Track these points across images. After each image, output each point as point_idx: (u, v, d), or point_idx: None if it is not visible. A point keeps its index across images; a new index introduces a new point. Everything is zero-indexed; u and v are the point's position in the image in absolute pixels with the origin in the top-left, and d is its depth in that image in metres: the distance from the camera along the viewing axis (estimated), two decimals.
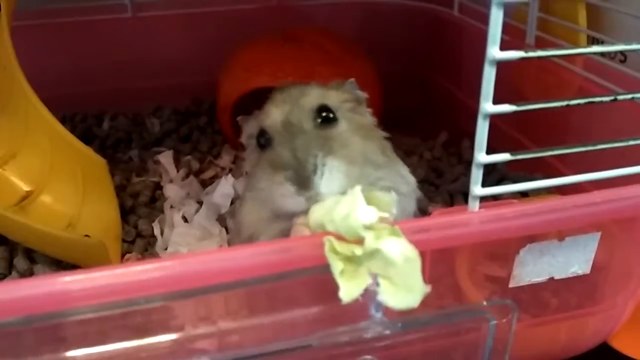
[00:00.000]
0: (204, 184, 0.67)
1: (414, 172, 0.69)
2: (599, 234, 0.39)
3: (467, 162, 0.73)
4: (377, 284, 0.30)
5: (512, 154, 0.34)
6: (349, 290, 0.30)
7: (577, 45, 0.63)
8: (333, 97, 0.41)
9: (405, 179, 0.43)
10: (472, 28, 0.78)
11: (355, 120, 0.41)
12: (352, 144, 0.39)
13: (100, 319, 0.31)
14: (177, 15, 0.85)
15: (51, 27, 0.82)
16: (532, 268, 0.39)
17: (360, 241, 0.30)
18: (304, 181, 0.35)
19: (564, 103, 0.33)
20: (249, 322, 0.33)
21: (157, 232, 0.57)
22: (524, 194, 0.62)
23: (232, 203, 0.58)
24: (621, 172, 0.37)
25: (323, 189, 0.35)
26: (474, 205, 0.35)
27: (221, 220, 0.58)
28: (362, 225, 0.30)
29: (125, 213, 0.62)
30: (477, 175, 0.34)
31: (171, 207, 0.61)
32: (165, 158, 0.69)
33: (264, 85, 0.71)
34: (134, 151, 0.78)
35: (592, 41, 0.65)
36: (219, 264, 0.30)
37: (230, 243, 0.53)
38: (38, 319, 0.30)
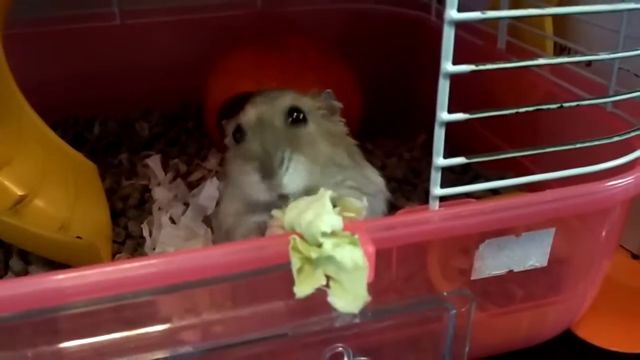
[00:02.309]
0: (192, 185, 0.70)
1: (393, 172, 0.73)
2: (554, 229, 0.42)
3: None
4: (328, 286, 0.33)
5: (467, 158, 0.37)
6: (302, 287, 0.33)
7: (538, 55, 0.67)
8: (307, 102, 0.45)
9: (371, 180, 0.47)
10: None
11: (325, 126, 0.45)
12: (318, 145, 0.42)
13: (92, 312, 0.34)
14: (164, 22, 0.88)
15: (42, 35, 0.84)
16: (492, 262, 0.42)
17: (319, 245, 0.34)
18: (268, 171, 0.39)
19: (513, 111, 0.36)
20: (229, 314, 0.36)
21: (145, 233, 0.60)
22: (495, 192, 0.65)
23: (217, 204, 0.61)
24: (581, 171, 0.40)
25: (286, 180, 0.39)
26: (434, 204, 0.38)
27: (207, 221, 0.61)
28: (322, 232, 0.33)
29: (116, 215, 0.65)
30: (435, 177, 0.37)
31: (159, 209, 0.64)
32: (154, 162, 0.72)
33: (248, 91, 0.74)
34: (123, 155, 0.80)
35: (560, 49, 0.68)
36: (201, 262, 0.34)
37: (214, 242, 0.56)
38: (33, 313, 0.32)
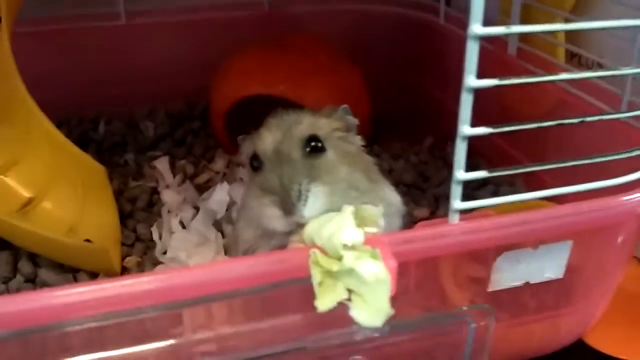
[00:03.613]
0: (199, 188, 0.70)
1: (401, 176, 0.73)
2: (571, 242, 0.42)
3: (451, 166, 0.76)
4: (350, 300, 0.33)
5: (489, 171, 0.37)
6: (324, 301, 0.33)
7: (548, 73, 0.67)
8: (324, 126, 0.44)
9: (389, 201, 0.46)
10: (457, 36, 0.81)
11: (343, 148, 0.44)
12: (337, 172, 0.42)
13: (105, 327, 0.33)
14: (169, 22, 0.87)
15: (47, 34, 0.83)
16: (509, 274, 0.42)
17: (340, 258, 0.33)
18: (288, 207, 0.39)
19: (535, 125, 0.36)
20: (248, 327, 0.36)
21: (155, 236, 0.60)
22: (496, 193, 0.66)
23: (227, 209, 0.61)
24: (597, 185, 0.40)
25: (306, 214, 0.39)
26: (453, 218, 0.38)
27: (217, 225, 0.61)
28: (343, 245, 0.33)
29: (124, 217, 0.65)
30: (456, 190, 0.37)
31: (168, 212, 0.63)
32: (162, 164, 0.71)
33: (256, 93, 0.74)
34: (129, 155, 0.80)
35: (571, 55, 0.68)
36: (221, 275, 0.33)
37: (227, 249, 0.55)
38: (36, 330, 0.32)
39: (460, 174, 0.36)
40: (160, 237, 0.60)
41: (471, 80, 0.34)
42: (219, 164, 0.75)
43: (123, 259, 0.60)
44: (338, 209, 0.38)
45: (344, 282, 0.33)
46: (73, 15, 0.84)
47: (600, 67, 0.66)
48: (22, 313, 0.30)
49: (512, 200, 0.39)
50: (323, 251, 0.34)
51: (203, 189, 0.70)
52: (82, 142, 0.82)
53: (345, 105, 0.48)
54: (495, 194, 0.67)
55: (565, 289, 0.46)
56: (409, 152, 0.81)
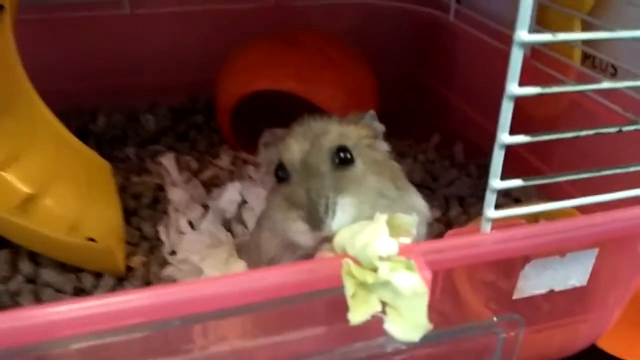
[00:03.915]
0: (204, 184, 0.68)
1: (410, 175, 0.72)
2: (597, 249, 0.41)
3: (460, 165, 0.76)
4: (384, 313, 0.32)
5: (524, 180, 0.36)
6: (357, 313, 0.32)
7: (564, 63, 0.66)
8: (352, 135, 0.42)
9: (416, 208, 0.45)
10: (466, 34, 0.80)
11: (371, 156, 0.43)
12: (365, 182, 0.40)
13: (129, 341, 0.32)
14: (174, 12, 0.85)
15: (47, 22, 0.81)
16: (535, 281, 0.41)
17: (374, 269, 0.32)
18: (316, 222, 0.37)
19: (574, 134, 0.35)
20: (273, 339, 0.35)
21: (163, 236, 0.58)
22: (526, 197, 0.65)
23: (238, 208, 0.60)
24: (625, 195, 0.39)
25: (335, 228, 0.37)
26: (486, 226, 0.37)
27: (226, 224, 0.60)
28: (378, 256, 0.32)
29: (128, 215, 0.63)
30: (490, 199, 0.36)
31: (176, 210, 0.62)
32: (168, 160, 0.70)
33: (264, 89, 0.72)
34: (130, 149, 0.78)
35: (584, 56, 0.67)
36: (249, 285, 0.32)
37: (238, 250, 0.54)
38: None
39: (497, 182, 0.35)
40: (167, 236, 0.58)
41: (514, 87, 0.33)
42: (225, 161, 0.73)
43: (127, 258, 0.58)
44: (368, 219, 0.37)
45: (377, 294, 0.32)
46: (75, 3, 0.81)
47: (615, 69, 0.65)
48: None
49: (544, 209, 0.38)
50: (355, 261, 0.33)
51: (208, 185, 0.68)
52: (81, 135, 0.79)
53: (372, 111, 0.47)
54: (506, 195, 0.66)
55: (584, 295, 0.45)
56: (415, 150, 0.80)
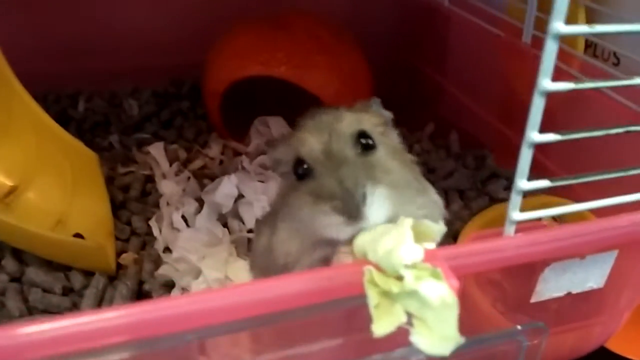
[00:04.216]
0: (194, 175, 0.65)
1: None
2: (617, 251, 0.40)
3: (456, 156, 0.74)
4: (411, 324, 0.30)
5: (551, 181, 0.34)
6: (381, 325, 0.29)
7: (568, 52, 0.64)
8: (368, 121, 0.40)
9: (437, 204, 0.43)
10: (461, 20, 0.78)
11: (388, 144, 0.40)
12: (393, 170, 0.37)
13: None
14: None
15: (22, 0, 0.77)
16: (554, 284, 0.40)
17: (399, 277, 0.30)
18: (353, 212, 0.34)
19: (603, 132, 0.34)
20: (284, 353, 0.33)
21: (155, 232, 0.55)
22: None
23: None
24: None
25: (372, 218, 0.34)
26: (510, 229, 0.35)
27: (221, 218, 0.57)
28: (404, 264, 0.30)
29: (116, 208, 0.60)
30: (516, 201, 0.34)
31: (167, 204, 0.59)
32: (156, 150, 0.66)
33: (256, 74, 0.69)
34: (113, 136, 0.75)
35: (586, 44, 0.66)
36: (268, 294, 0.30)
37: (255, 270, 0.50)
38: None
39: (524, 183, 0.33)
40: (160, 232, 0.55)
41: (546, 82, 0.30)
42: (215, 150, 0.70)
43: (118, 255, 0.55)
44: (398, 211, 0.35)
45: (402, 304, 0.30)
46: None
47: (617, 58, 0.64)
48: None
49: (567, 211, 0.36)
50: (377, 268, 0.31)
51: (198, 176, 0.65)
52: (61, 121, 0.75)
53: (376, 98, 0.44)
54: (507, 189, 0.65)
55: (599, 297, 0.44)
56: (410, 139, 0.78)
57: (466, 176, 0.67)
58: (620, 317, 0.49)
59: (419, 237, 0.32)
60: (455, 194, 0.65)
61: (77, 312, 0.49)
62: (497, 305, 0.41)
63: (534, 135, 0.32)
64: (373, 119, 0.41)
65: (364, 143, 0.37)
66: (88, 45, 0.81)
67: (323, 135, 0.37)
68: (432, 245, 0.32)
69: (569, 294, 0.41)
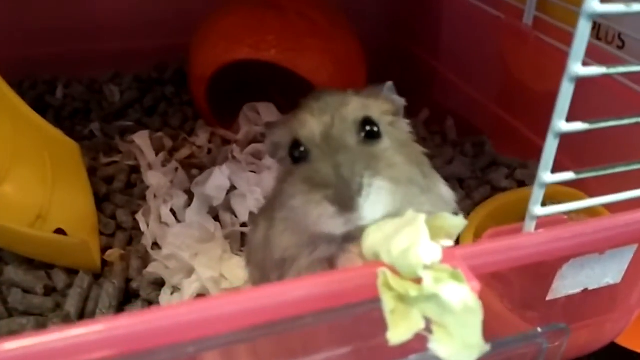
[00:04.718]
0: (182, 165, 0.62)
1: None
2: (636, 245, 0.38)
3: (453, 143, 0.72)
4: (430, 331, 0.27)
5: (575, 173, 0.32)
6: (398, 332, 0.27)
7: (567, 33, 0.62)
8: (375, 108, 0.37)
9: (445, 199, 0.40)
10: (458, 1, 0.75)
11: (396, 136, 0.37)
12: (397, 165, 0.35)
13: None
14: None
15: None
16: (571, 281, 0.38)
17: (416, 280, 0.28)
18: (346, 202, 0.31)
19: (633, 120, 0.31)
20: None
21: (143, 226, 0.52)
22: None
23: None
24: None
25: (367, 212, 0.32)
26: (530, 225, 0.33)
27: (212, 211, 0.54)
28: (423, 264, 0.27)
29: (99, 201, 0.57)
30: (538, 194, 0.32)
31: (155, 197, 0.55)
32: (141, 139, 0.63)
33: (244, 58, 0.66)
34: (94, 124, 0.71)
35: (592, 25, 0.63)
36: (272, 300, 0.27)
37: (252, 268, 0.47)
38: None
39: (548, 176, 0.31)
40: (147, 226, 0.52)
41: (577, 67, 0.28)
42: (202, 138, 0.67)
43: (104, 250, 0.52)
44: (398, 210, 0.32)
45: (420, 308, 0.28)
46: None
47: (622, 41, 0.61)
48: None
49: (591, 204, 0.34)
50: (392, 270, 0.28)
51: (185, 166, 0.62)
52: (38, 108, 0.71)
53: (390, 83, 0.41)
54: (509, 177, 0.62)
55: (613, 293, 0.42)
56: None
57: (465, 164, 0.65)
58: (632, 313, 0.47)
59: (435, 232, 0.30)
60: (455, 184, 0.62)
61: (60, 311, 0.46)
62: (504, 302, 0.39)
63: (561, 124, 0.30)
64: (382, 106, 0.38)
65: (369, 130, 0.35)
66: (66, 27, 0.77)
67: (325, 118, 0.34)
68: (449, 242, 0.30)
69: (585, 290, 0.39)
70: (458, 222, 0.30)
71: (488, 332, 0.32)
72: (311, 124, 0.34)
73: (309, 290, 0.28)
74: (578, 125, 0.30)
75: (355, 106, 0.35)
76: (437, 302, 0.27)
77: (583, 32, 0.28)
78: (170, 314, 0.26)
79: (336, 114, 0.35)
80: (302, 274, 0.36)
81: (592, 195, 0.35)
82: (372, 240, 0.31)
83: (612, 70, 0.29)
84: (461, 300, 0.27)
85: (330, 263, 0.35)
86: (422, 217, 0.30)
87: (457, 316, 0.27)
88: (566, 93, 0.29)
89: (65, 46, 0.78)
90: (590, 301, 0.41)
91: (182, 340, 0.27)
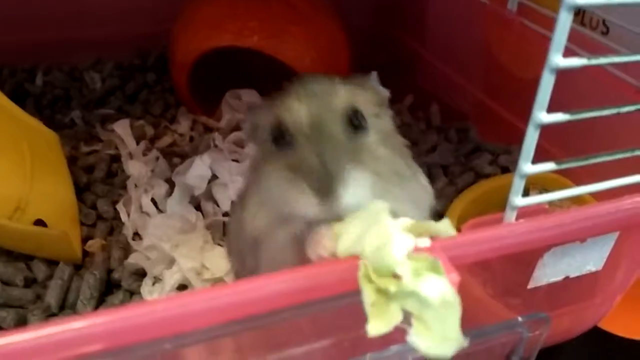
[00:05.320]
0: (163, 153, 0.61)
1: None
2: (618, 233, 0.38)
3: (437, 129, 0.72)
4: (409, 324, 0.27)
5: (556, 163, 0.32)
6: (377, 324, 0.27)
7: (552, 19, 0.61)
8: (362, 99, 0.37)
9: (426, 190, 0.40)
10: None
11: (381, 127, 0.37)
12: (381, 158, 0.35)
13: None
14: None
15: None
16: (552, 269, 0.38)
17: (396, 275, 0.28)
18: (327, 191, 0.32)
19: (614, 111, 0.31)
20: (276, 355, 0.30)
21: (124, 216, 0.52)
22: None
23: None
24: None
25: (347, 201, 0.32)
26: (511, 215, 0.33)
27: (193, 200, 0.53)
28: (397, 261, 0.27)
29: (80, 191, 0.56)
30: (519, 185, 0.32)
31: (135, 186, 0.55)
32: (122, 128, 0.62)
33: (227, 45, 0.65)
34: (75, 112, 0.70)
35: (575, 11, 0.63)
36: (252, 295, 0.27)
37: (231, 250, 0.47)
38: None
39: (528, 166, 0.31)
40: (128, 216, 0.52)
41: (557, 58, 0.28)
42: (184, 126, 0.66)
43: (84, 241, 0.51)
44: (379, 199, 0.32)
45: (400, 302, 0.28)
46: None
47: (607, 27, 0.61)
48: None
49: (570, 194, 0.34)
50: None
51: (166, 154, 0.61)
52: (17, 97, 0.70)
53: (374, 73, 0.41)
54: (492, 163, 0.62)
55: (594, 280, 0.43)
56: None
57: (449, 150, 0.65)
58: (614, 298, 0.47)
59: (418, 235, 0.30)
60: (439, 170, 0.62)
61: (41, 302, 0.46)
62: (486, 288, 0.40)
63: (542, 115, 0.30)
64: (369, 97, 0.38)
65: (356, 123, 0.35)
66: (46, 13, 0.76)
67: (312, 107, 0.34)
68: (426, 242, 0.30)
69: (567, 278, 0.39)
70: (444, 229, 0.30)
71: (471, 320, 0.33)
72: (298, 111, 0.34)
73: (289, 284, 0.28)
74: (559, 116, 0.30)
75: (344, 96, 0.35)
76: (416, 297, 0.27)
77: (564, 23, 0.27)
78: (147, 310, 0.26)
79: (324, 102, 0.34)
80: (274, 251, 0.36)
81: (580, 182, 0.35)
82: (345, 244, 0.30)
83: (594, 62, 0.29)
84: (440, 295, 0.27)
85: (298, 243, 0.35)
86: (385, 208, 0.30)
87: (436, 310, 0.27)
88: (547, 84, 0.29)
89: (45, 33, 0.77)
90: (572, 287, 0.42)
91: (161, 336, 0.27)
